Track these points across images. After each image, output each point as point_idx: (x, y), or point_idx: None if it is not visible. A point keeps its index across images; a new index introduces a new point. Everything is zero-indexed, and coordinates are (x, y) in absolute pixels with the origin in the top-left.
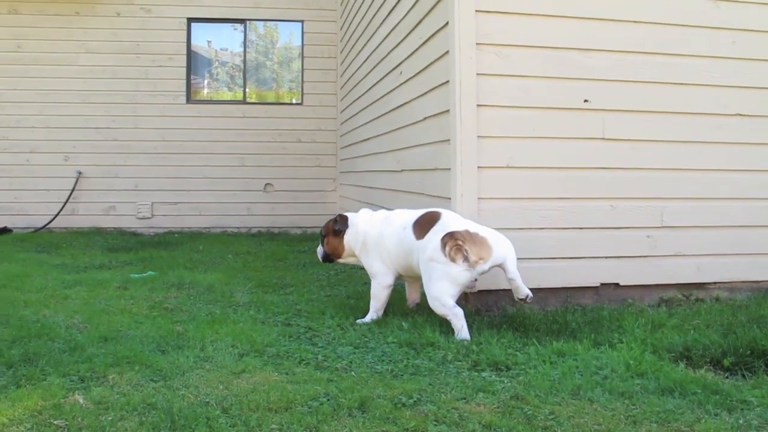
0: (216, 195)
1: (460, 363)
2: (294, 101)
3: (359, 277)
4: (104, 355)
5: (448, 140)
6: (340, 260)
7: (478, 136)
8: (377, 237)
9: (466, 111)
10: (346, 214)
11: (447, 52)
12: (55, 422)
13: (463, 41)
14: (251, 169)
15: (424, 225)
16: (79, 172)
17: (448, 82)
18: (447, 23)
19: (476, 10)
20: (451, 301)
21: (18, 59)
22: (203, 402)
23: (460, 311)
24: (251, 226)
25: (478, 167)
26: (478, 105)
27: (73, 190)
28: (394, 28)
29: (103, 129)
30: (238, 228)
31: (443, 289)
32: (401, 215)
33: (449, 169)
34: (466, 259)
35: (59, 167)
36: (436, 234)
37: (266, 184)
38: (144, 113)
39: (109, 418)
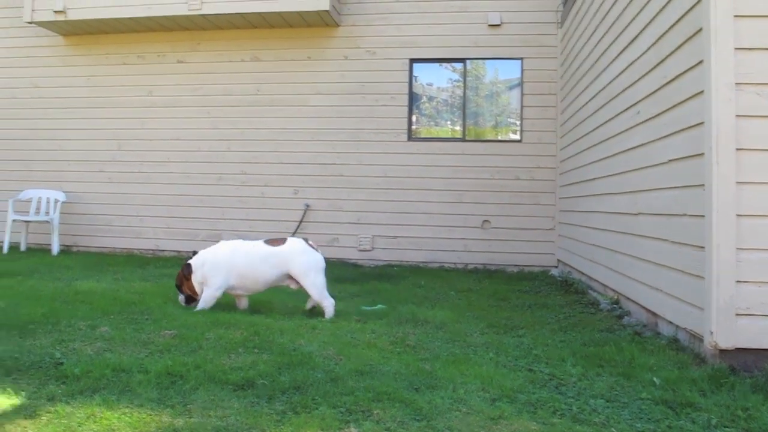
0: (434, 230)
1: (728, 429)
2: (512, 138)
3: (590, 323)
4: (364, 390)
5: (702, 185)
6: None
7: (737, 182)
8: (220, 256)
9: (723, 155)
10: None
11: (701, 92)
12: None
13: (720, 81)
14: (469, 205)
15: (275, 241)
16: (307, 205)
17: (701, 123)
18: (701, 62)
19: (735, 48)
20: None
21: (257, 101)
22: None
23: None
24: (467, 263)
25: (737, 215)
26: (737, 149)
27: (301, 221)
28: (629, 66)
29: (330, 165)
30: (454, 264)
31: (322, 280)
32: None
33: (702, 216)
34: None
35: (289, 200)
36: (293, 239)
37: (484, 221)
38: (367, 150)
39: None
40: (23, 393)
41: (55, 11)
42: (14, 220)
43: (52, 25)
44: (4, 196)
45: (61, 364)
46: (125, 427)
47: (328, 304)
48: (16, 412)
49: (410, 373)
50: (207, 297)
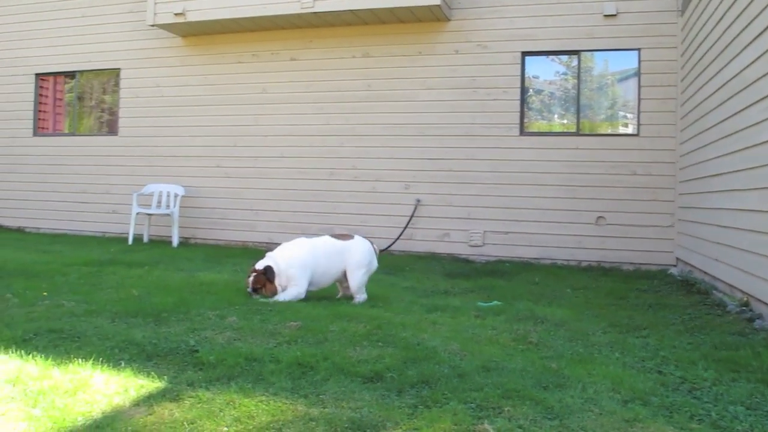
0: (546, 226)
1: None
2: (629, 132)
3: (718, 325)
4: (492, 386)
5: None
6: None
7: None
8: (303, 257)
9: None
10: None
11: None
12: None
13: None
14: (583, 201)
15: (342, 236)
16: (418, 200)
17: None
18: None
19: None
20: None
21: (368, 97)
22: None
23: None
24: (581, 260)
25: None
26: None
27: (411, 216)
28: (761, 55)
29: (440, 160)
30: (567, 260)
31: (364, 278)
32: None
33: None
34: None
35: (400, 195)
36: (359, 238)
37: (598, 217)
38: (478, 145)
39: None
40: (165, 377)
41: (175, 14)
42: (138, 213)
43: (172, 27)
44: (129, 191)
45: (196, 351)
46: (263, 414)
47: (361, 298)
48: (162, 395)
49: (536, 370)
50: (294, 295)
